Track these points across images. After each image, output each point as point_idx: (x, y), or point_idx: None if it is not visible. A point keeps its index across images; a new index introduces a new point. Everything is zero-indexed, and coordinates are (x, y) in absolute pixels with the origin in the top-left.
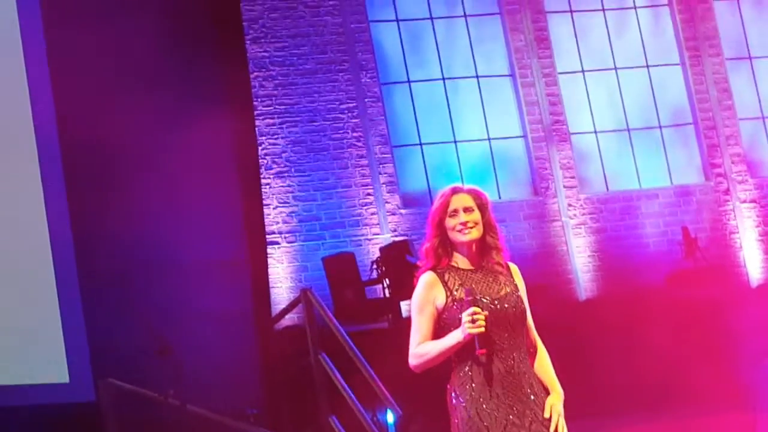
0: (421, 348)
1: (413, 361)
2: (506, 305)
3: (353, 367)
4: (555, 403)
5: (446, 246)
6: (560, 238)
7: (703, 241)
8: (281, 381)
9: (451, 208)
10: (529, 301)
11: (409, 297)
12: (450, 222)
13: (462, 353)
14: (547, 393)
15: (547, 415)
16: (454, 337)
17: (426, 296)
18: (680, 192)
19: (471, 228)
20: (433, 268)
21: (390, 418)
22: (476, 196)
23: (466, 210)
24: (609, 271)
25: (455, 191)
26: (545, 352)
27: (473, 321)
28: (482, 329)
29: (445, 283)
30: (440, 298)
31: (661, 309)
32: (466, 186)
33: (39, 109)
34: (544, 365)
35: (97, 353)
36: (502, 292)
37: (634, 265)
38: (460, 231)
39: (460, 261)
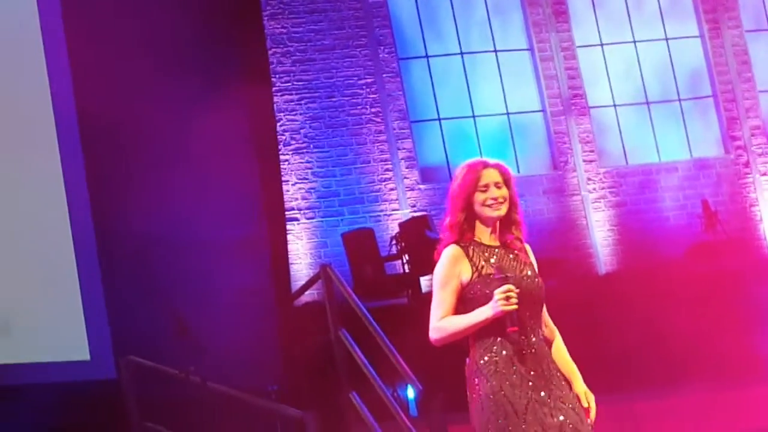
0: (445, 322)
1: (435, 335)
2: (529, 284)
3: (373, 343)
4: (587, 391)
5: (471, 220)
6: (579, 212)
7: (723, 214)
8: (301, 357)
9: (483, 182)
10: (548, 275)
11: (429, 272)
12: (480, 197)
13: (485, 329)
14: (563, 374)
15: (585, 404)
16: (482, 314)
17: (451, 270)
18: (700, 165)
19: (501, 204)
20: (457, 242)
21: (411, 393)
22: (503, 171)
23: (497, 185)
24: (628, 244)
25: (486, 165)
26: (559, 336)
27: (507, 299)
28: (515, 307)
29: (470, 258)
30: (466, 273)
31: (681, 282)
32: (493, 160)
33: (57, 87)
34: (560, 350)
35: (118, 331)
36: (524, 272)
37: (654, 239)
38: (490, 206)
39: (484, 236)
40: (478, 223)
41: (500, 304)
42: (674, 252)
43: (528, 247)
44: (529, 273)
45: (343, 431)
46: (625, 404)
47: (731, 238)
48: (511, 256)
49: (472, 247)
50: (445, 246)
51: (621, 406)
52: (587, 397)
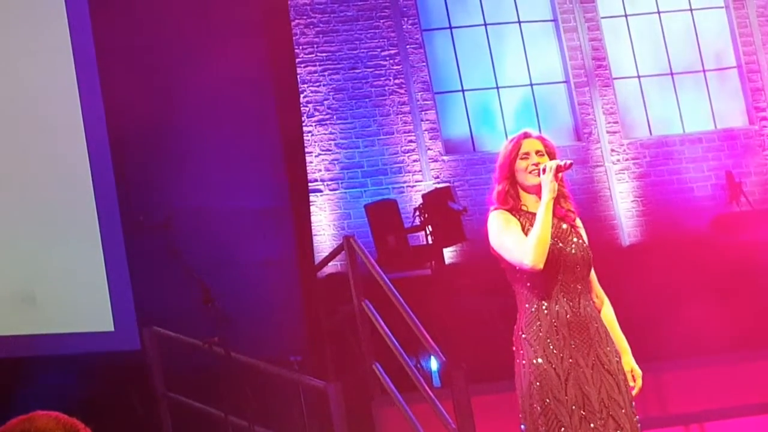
0: (529, 239)
1: (529, 255)
2: (575, 250)
3: (396, 314)
4: (634, 367)
5: (516, 189)
6: (603, 184)
7: (747, 185)
8: (325, 328)
9: (523, 150)
10: None
11: (452, 243)
12: (521, 164)
13: (531, 294)
14: (612, 340)
15: (631, 382)
16: (544, 200)
17: (508, 218)
18: (724, 136)
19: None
20: (503, 210)
21: (434, 364)
22: (545, 143)
23: (538, 153)
24: (652, 216)
25: (527, 135)
26: (609, 307)
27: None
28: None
29: (519, 221)
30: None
31: (705, 254)
32: (536, 132)
33: (80, 53)
34: (610, 320)
35: (142, 302)
36: (570, 238)
37: (678, 210)
38: (531, 172)
39: (530, 204)
40: (523, 192)
41: (548, 173)
42: (698, 224)
43: (579, 221)
44: (577, 241)
45: (366, 402)
46: (647, 375)
47: (756, 210)
48: (559, 223)
49: (518, 214)
50: (494, 211)
51: (644, 376)
52: (633, 374)
